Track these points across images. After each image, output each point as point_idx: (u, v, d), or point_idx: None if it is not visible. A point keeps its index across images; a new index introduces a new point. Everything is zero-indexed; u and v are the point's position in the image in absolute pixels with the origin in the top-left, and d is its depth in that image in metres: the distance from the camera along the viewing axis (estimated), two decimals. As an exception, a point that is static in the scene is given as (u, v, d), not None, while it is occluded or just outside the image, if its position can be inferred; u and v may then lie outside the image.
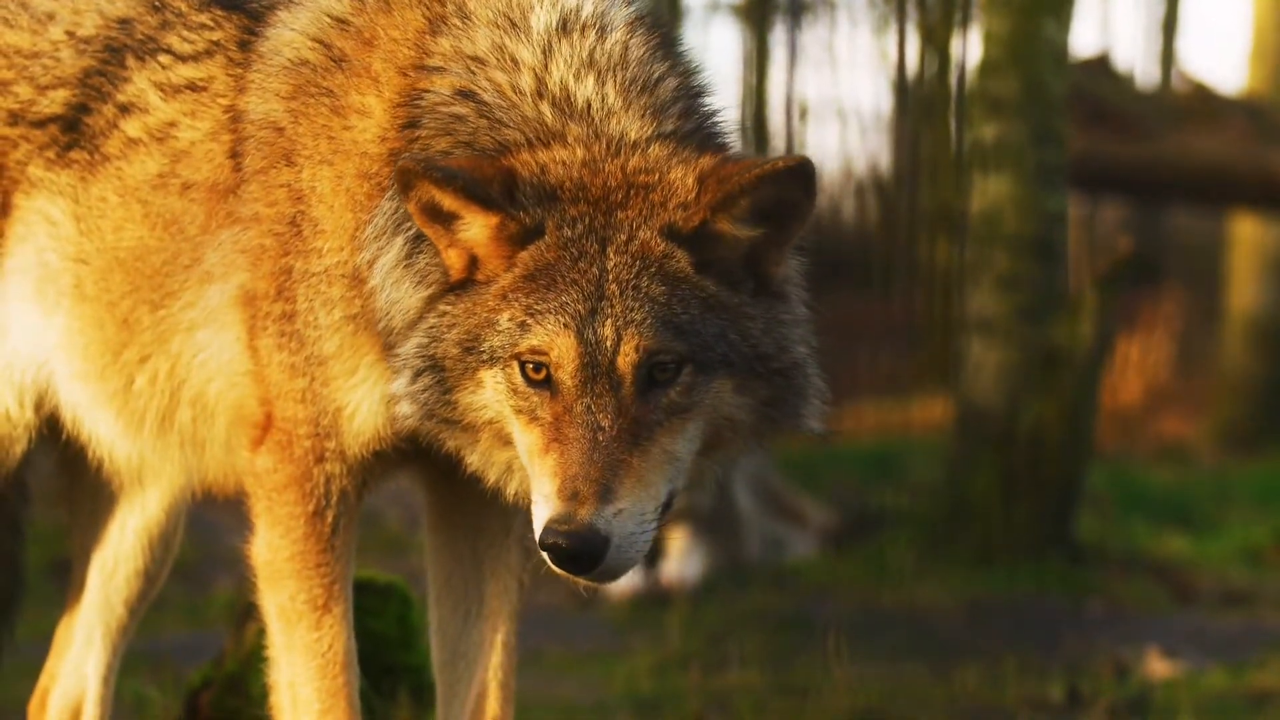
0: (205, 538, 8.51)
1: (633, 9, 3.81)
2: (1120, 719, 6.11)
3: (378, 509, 9.49)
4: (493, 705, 4.11)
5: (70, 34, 4.17)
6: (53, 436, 4.29)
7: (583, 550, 3.46)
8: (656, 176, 3.60)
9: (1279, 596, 8.71)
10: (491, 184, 3.58)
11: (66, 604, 4.57)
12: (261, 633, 4.04)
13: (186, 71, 4.05)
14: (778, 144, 17.24)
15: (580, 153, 3.63)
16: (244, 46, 4.02)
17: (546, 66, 3.71)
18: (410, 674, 5.28)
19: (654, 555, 9.10)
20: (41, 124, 4.14)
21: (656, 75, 3.72)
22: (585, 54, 3.71)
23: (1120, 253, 9.44)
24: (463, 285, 3.64)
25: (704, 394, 3.55)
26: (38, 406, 4.22)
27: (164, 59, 4.08)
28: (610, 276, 3.53)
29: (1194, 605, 8.56)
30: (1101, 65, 12.72)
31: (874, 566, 8.89)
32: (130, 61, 4.11)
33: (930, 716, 6.21)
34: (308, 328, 3.82)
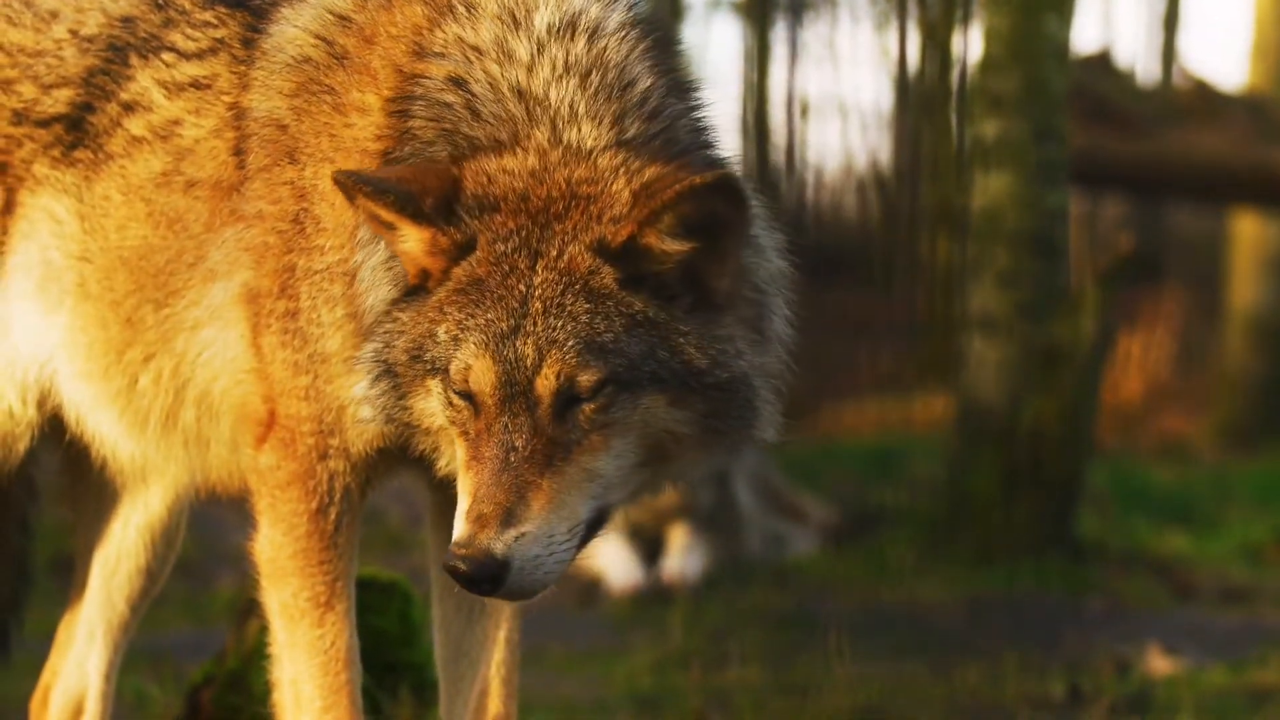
0: (207, 534, 8.51)
1: (632, 13, 3.78)
2: (1121, 716, 6.11)
3: (380, 507, 9.50)
4: (495, 702, 4.12)
5: (74, 32, 4.17)
6: (56, 434, 4.29)
7: (479, 575, 3.46)
8: (599, 187, 3.57)
9: (1279, 594, 8.71)
10: (425, 198, 3.57)
11: (69, 601, 4.58)
12: (263, 630, 4.04)
13: (190, 69, 4.06)
14: (779, 141, 17.24)
15: (531, 161, 3.60)
16: (248, 44, 4.02)
17: (533, 66, 3.69)
18: (412, 671, 5.29)
19: (655, 553, 9.11)
20: (46, 123, 4.14)
21: (630, 78, 3.69)
22: (571, 57, 3.68)
23: (1121, 250, 9.43)
24: (415, 292, 3.63)
25: (630, 411, 3.51)
26: (40, 404, 4.22)
27: (168, 57, 4.08)
28: (536, 294, 3.51)
29: (1194, 603, 8.56)
30: (1102, 62, 12.72)
31: (875, 564, 8.89)
32: (134, 60, 4.11)
33: (931, 714, 6.21)
34: (311, 325, 3.83)
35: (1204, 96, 12.63)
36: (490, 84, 3.70)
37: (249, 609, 5.14)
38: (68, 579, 4.61)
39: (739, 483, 9.48)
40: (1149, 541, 9.84)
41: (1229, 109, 12.53)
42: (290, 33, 3.95)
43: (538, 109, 3.65)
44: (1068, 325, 8.75)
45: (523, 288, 3.52)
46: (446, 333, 3.55)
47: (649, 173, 3.57)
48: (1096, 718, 6.09)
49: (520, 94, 3.67)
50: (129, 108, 4.08)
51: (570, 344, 3.48)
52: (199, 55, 4.06)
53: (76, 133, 4.12)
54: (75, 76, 4.14)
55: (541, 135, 3.63)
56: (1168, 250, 18.97)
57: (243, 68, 4.00)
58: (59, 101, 4.14)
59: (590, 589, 8.93)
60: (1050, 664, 6.79)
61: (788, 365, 3.77)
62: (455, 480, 3.71)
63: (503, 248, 3.55)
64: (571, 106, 3.65)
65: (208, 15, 4.09)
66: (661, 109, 3.70)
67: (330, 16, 3.93)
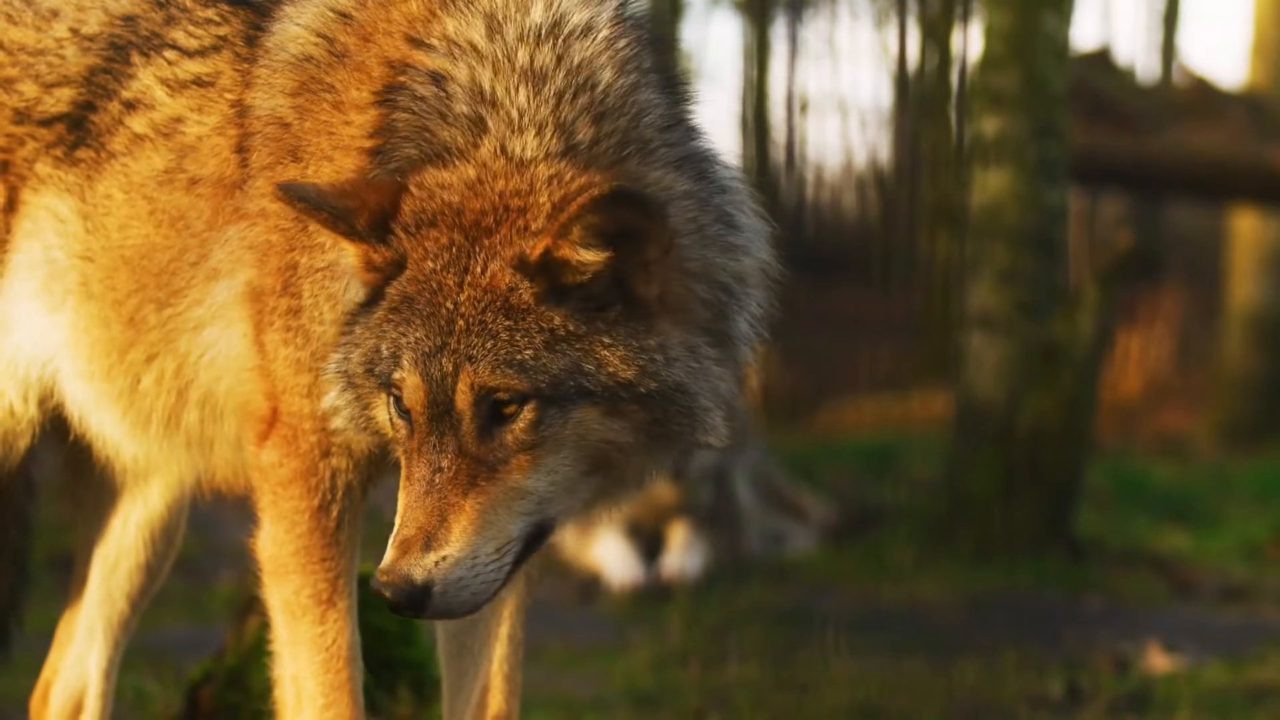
0: (207, 532, 8.52)
1: (619, 13, 3.72)
2: (1120, 714, 6.12)
3: (377, 505, 9.50)
4: (497, 698, 4.11)
5: (75, 31, 4.16)
6: (57, 432, 4.29)
7: (401, 600, 3.47)
8: (529, 200, 3.53)
9: (1278, 592, 8.71)
10: (359, 215, 3.55)
11: (69, 598, 4.57)
12: (263, 627, 4.05)
13: (193, 67, 4.05)
14: (778, 138, 17.26)
15: (471, 173, 3.57)
16: (250, 41, 4.02)
17: (499, 69, 3.66)
18: (411, 668, 5.29)
19: (654, 550, 9.12)
20: (48, 122, 4.14)
21: (592, 80, 3.64)
22: (536, 62, 3.64)
23: (1120, 247, 9.44)
24: (366, 305, 3.62)
25: (559, 427, 3.48)
26: (42, 403, 4.22)
27: (170, 54, 4.08)
28: (460, 312, 3.48)
29: (1193, 600, 8.56)
30: (1102, 59, 12.74)
31: (874, 561, 8.90)
32: (135, 58, 4.11)
33: (929, 712, 6.22)
34: (313, 323, 3.82)
35: (1203, 94, 12.64)
36: (464, 84, 3.66)
37: (249, 606, 5.14)
38: (67, 576, 4.61)
39: (738, 480, 9.49)
40: (1148, 539, 9.84)
41: (1228, 107, 12.55)
42: (292, 30, 3.95)
43: (494, 115, 3.62)
44: (1067, 323, 8.75)
45: (449, 306, 3.50)
46: (387, 349, 3.54)
47: (574, 184, 3.52)
48: (1095, 715, 6.10)
49: (483, 98, 3.64)
50: (131, 106, 4.08)
51: (486, 360, 3.45)
52: (201, 53, 4.06)
53: (79, 131, 4.12)
54: (77, 75, 4.13)
55: (489, 144, 3.59)
56: (1167, 248, 19.00)
57: (246, 65, 3.99)
58: (61, 100, 4.13)
59: (590, 586, 8.93)
60: (1049, 662, 6.79)
61: (750, 365, 3.74)
62: None
63: (432, 265, 3.52)
64: (521, 114, 3.60)
65: (210, 13, 4.09)
66: (620, 107, 3.64)
67: (332, 14, 3.92)
